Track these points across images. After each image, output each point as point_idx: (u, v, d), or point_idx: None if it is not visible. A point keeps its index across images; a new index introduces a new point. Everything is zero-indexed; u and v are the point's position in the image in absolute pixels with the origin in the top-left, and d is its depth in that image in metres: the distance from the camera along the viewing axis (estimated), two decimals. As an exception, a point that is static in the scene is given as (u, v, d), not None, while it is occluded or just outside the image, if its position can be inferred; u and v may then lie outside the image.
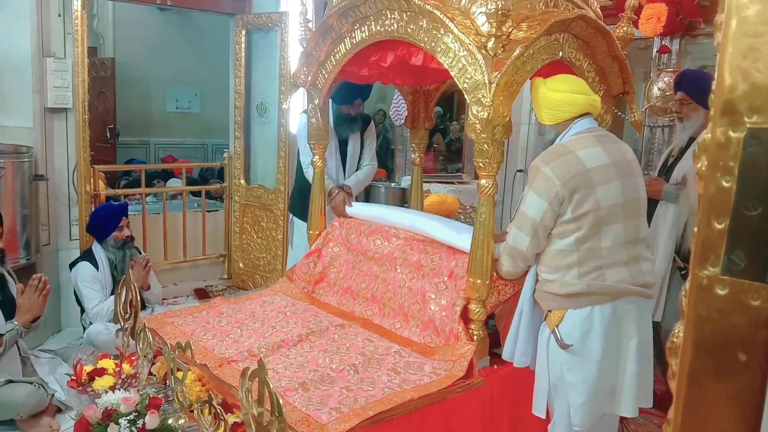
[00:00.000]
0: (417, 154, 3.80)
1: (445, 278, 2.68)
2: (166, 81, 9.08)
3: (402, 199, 5.46)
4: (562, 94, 2.25)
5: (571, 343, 2.15)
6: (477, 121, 2.32)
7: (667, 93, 4.18)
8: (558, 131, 2.29)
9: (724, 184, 0.74)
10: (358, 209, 3.36)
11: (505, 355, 2.40)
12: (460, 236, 2.70)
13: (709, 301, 0.76)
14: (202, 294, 5.21)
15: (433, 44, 2.48)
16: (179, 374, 2.17)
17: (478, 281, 2.45)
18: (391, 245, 2.99)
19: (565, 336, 2.16)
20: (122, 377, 2.38)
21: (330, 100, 3.46)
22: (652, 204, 3.18)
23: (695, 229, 0.77)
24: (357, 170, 3.85)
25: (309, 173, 3.48)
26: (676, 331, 0.78)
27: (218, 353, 2.52)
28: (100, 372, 2.45)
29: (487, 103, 2.27)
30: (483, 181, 2.41)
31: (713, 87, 0.74)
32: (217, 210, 5.74)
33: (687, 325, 0.78)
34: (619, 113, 4.19)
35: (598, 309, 2.14)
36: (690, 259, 0.80)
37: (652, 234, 3.15)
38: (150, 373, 2.44)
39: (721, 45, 0.74)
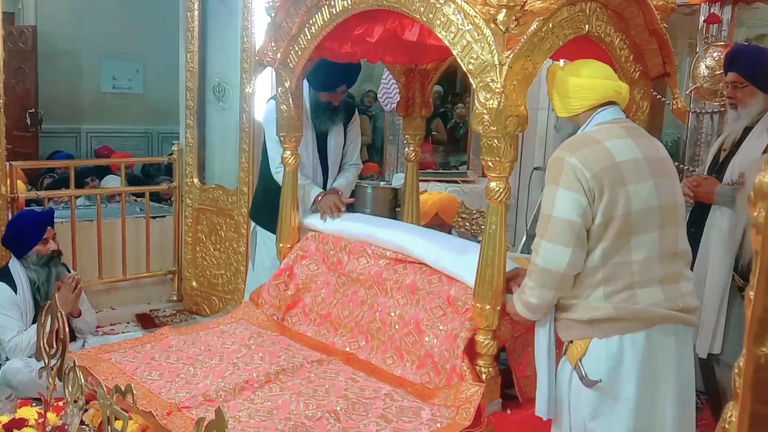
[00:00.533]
0: (412, 148, 3.81)
1: (443, 303, 2.70)
2: (100, 54, 9.06)
3: (393, 202, 5.45)
4: (582, 79, 2.29)
5: (598, 379, 2.16)
6: (485, 111, 2.34)
7: (717, 72, 4.22)
8: (578, 124, 2.32)
9: None
10: (332, 224, 3.35)
11: (539, 411, 2.35)
12: (462, 260, 2.71)
13: (768, 383, 0.75)
14: (145, 321, 5.20)
15: (430, 16, 2.49)
16: (118, 424, 2.16)
17: (488, 307, 2.47)
18: (379, 265, 3.00)
19: (589, 371, 2.18)
20: (47, 430, 2.37)
21: (306, 83, 3.47)
22: (704, 210, 3.20)
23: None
24: (339, 171, 3.85)
25: (281, 176, 3.45)
26: (728, 416, 0.78)
27: (166, 398, 2.51)
28: (20, 423, 2.44)
29: (497, 89, 2.29)
30: (492, 184, 2.43)
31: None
32: (164, 216, 5.74)
33: (742, 410, 0.77)
34: (659, 96, 4.23)
35: (629, 338, 2.15)
36: (750, 279, 0.79)
37: (704, 246, 3.16)
38: (82, 423, 2.43)
39: None
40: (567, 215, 2.14)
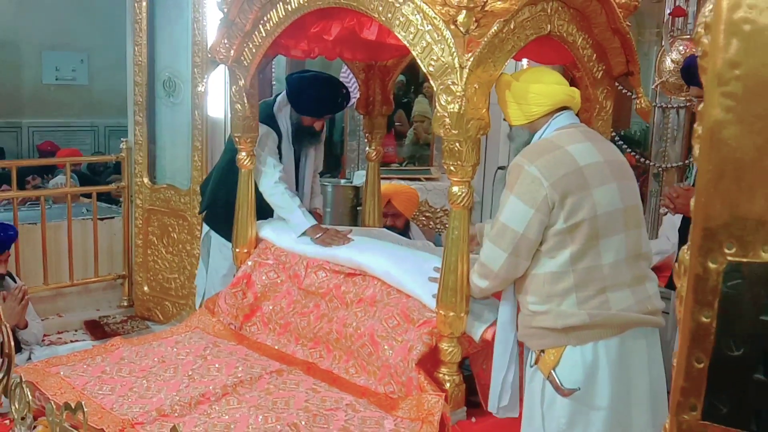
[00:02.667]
0: (373, 147, 3.86)
1: (398, 314, 2.75)
2: (41, 44, 8.92)
3: (354, 201, 5.50)
4: (536, 85, 2.39)
5: (576, 387, 2.22)
6: (446, 115, 2.39)
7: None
8: (533, 130, 2.42)
9: (704, 319, 0.85)
10: (289, 242, 3.34)
11: (491, 407, 2.50)
12: (421, 278, 2.76)
13: (690, 449, 0.86)
14: (95, 328, 5.15)
15: (389, 15, 2.54)
16: (68, 443, 2.17)
17: (451, 314, 2.53)
18: (338, 278, 3.04)
19: (564, 380, 2.23)
20: (-7, 451, 2.37)
21: (287, 102, 3.52)
22: (686, 222, 3.26)
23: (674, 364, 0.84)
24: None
25: (274, 195, 3.44)
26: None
27: (119, 413, 2.52)
28: (-36, 444, 2.42)
29: (458, 92, 2.34)
30: (455, 189, 2.48)
31: (691, 206, 0.82)
32: (112, 217, 5.67)
33: None
34: (625, 91, 4.33)
35: (603, 345, 2.23)
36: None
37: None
38: (30, 441, 2.43)
39: (699, 160, 0.86)
40: (511, 223, 2.26)
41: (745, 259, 0.84)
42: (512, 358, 2.46)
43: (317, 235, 3.29)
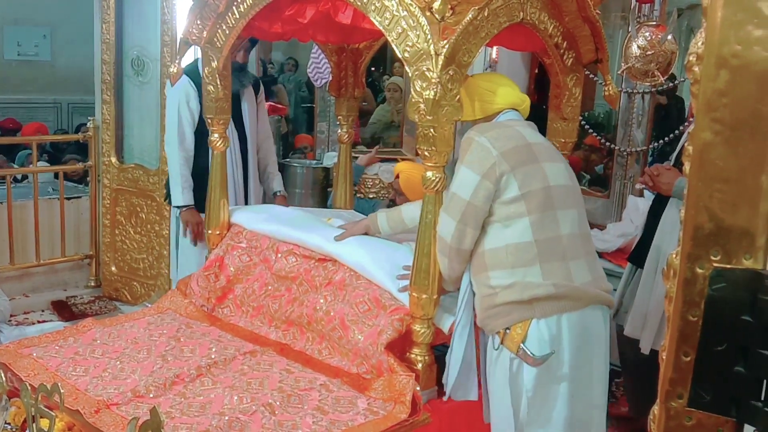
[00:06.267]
0: (345, 129, 3.87)
1: (369, 299, 2.78)
2: (2, 19, 8.78)
3: (325, 182, 5.50)
4: (491, 84, 2.58)
5: (550, 351, 2.27)
6: (421, 101, 2.42)
7: (649, 52, 4.41)
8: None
9: (691, 318, 0.97)
10: (259, 225, 3.34)
11: (447, 390, 2.58)
12: (389, 268, 2.79)
13: (677, 431, 1.01)
14: (62, 308, 5.13)
15: (364, 0, 2.55)
16: (44, 423, 2.18)
17: (424, 296, 2.57)
18: (308, 263, 3.06)
19: (535, 352, 2.27)
20: (-32, 432, 2.36)
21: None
22: (663, 201, 3.32)
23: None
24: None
25: (172, 152, 3.70)
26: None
27: (93, 394, 2.53)
28: (-63, 426, 2.41)
29: (433, 79, 2.37)
30: (429, 174, 2.51)
31: (681, 215, 0.92)
32: (79, 197, 5.64)
33: None
34: (592, 76, 4.40)
35: (566, 318, 2.31)
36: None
37: (658, 239, 3.26)
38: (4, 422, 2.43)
39: (689, 177, 0.98)
40: (460, 191, 2.37)
41: (728, 266, 0.95)
42: (469, 343, 2.53)
43: (184, 220, 3.70)
